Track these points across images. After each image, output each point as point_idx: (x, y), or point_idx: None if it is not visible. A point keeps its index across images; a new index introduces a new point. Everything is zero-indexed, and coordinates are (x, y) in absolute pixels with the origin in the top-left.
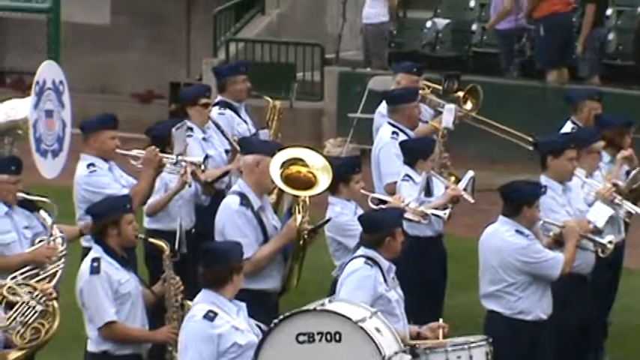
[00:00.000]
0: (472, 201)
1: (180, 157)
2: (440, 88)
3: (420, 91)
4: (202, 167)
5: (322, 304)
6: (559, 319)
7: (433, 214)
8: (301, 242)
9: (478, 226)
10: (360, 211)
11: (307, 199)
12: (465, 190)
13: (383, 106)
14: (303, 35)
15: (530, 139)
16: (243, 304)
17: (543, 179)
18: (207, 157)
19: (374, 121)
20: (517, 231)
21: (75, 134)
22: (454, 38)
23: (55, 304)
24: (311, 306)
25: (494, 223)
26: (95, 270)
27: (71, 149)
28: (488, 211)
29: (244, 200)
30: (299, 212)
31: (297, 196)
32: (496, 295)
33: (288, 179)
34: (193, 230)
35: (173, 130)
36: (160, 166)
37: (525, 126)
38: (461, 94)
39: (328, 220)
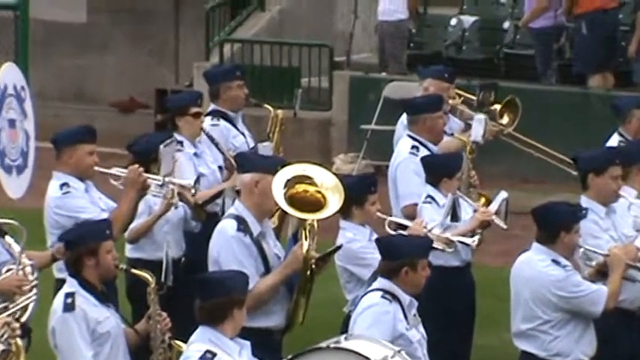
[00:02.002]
0: (505, 227)
1: (167, 179)
2: (474, 98)
3: (451, 101)
4: (193, 191)
5: (337, 342)
6: None
7: (460, 242)
8: (308, 273)
9: (511, 253)
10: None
11: (315, 223)
12: (496, 213)
13: (405, 116)
14: (309, 35)
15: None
16: (247, 343)
17: (584, 200)
18: (198, 178)
19: (395, 133)
20: (553, 260)
21: (46, 149)
22: (483, 38)
23: (19, 341)
24: (324, 344)
25: (527, 251)
26: (69, 307)
27: (37, 166)
28: (522, 237)
29: (242, 225)
30: (305, 238)
31: (303, 220)
32: (529, 335)
33: (292, 200)
34: (183, 259)
35: (161, 147)
36: (144, 188)
37: (565, 139)
38: (497, 107)
39: (339, 247)
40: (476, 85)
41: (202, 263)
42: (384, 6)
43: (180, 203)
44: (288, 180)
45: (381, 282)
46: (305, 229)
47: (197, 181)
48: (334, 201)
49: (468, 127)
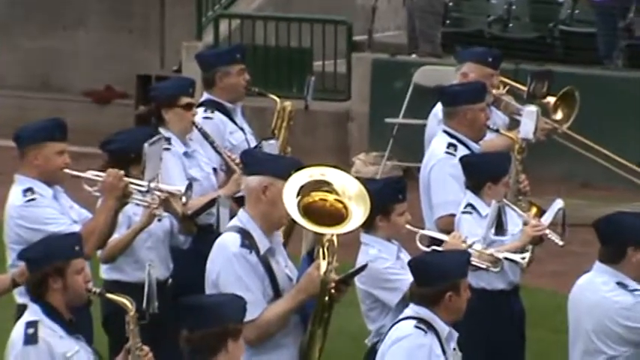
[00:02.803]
0: (561, 242)
1: (153, 185)
2: (522, 87)
3: (494, 91)
4: (184, 199)
5: None
6: None
7: (507, 259)
8: (326, 299)
9: (568, 274)
10: (405, 255)
11: (335, 239)
12: (550, 226)
13: (440, 108)
14: (323, 9)
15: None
16: None
17: None
18: (190, 185)
19: (427, 128)
20: (619, 283)
21: (6, 147)
22: (534, 13)
23: None
24: None
25: (588, 272)
26: (31, 339)
27: None
28: (582, 255)
29: (247, 240)
30: (323, 257)
31: (320, 235)
32: None
33: (308, 211)
34: (169, 281)
35: (145, 146)
36: (125, 195)
37: (634, 135)
38: (552, 99)
39: (364, 267)
40: (525, 71)
41: (192, 286)
42: None
43: (165, 214)
44: (303, 186)
45: (414, 309)
46: (322, 246)
47: (189, 187)
48: (358, 212)
49: (513, 122)
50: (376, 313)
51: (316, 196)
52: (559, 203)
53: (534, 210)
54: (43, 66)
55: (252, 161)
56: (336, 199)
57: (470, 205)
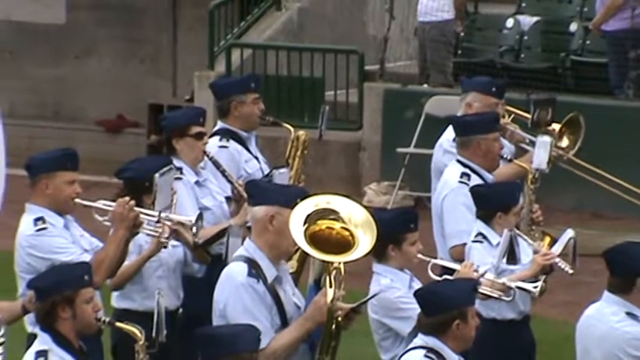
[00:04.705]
0: (571, 272)
1: (164, 215)
2: (527, 115)
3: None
4: (194, 230)
5: None
6: None
7: (518, 288)
8: (333, 327)
9: (578, 305)
10: (418, 284)
11: (342, 267)
12: (561, 255)
13: (447, 138)
14: (335, 39)
15: None
16: None
17: None
18: (201, 214)
19: (433, 159)
20: (628, 313)
21: (17, 177)
22: (545, 43)
23: None
24: None
25: (597, 301)
26: None
27: (6, 198)
28: (593, 285)
29: (254, 269)
30: (330, 285)
31: (327, 263)
32: None
33: (314, 239)
34: (180, 311)
35: (156, 176)
36: (136, 225)
37: None
38: (557, 126)
39: (373, 297)
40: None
41: (202, 316)
42: (425, 4)
43: (176, 243)
44: (309, 215)
45: (423, 338)
46: (329, 275)
47: (199, 217)
48: (365, 241)
49: (520, 151)
50: (389, 343)
51: (323, 224)
52: (570, 233)
53: (548, 240)
54: (53, 95)
55: (258, 191)
56: (342, 227)
57: (480, 234)
